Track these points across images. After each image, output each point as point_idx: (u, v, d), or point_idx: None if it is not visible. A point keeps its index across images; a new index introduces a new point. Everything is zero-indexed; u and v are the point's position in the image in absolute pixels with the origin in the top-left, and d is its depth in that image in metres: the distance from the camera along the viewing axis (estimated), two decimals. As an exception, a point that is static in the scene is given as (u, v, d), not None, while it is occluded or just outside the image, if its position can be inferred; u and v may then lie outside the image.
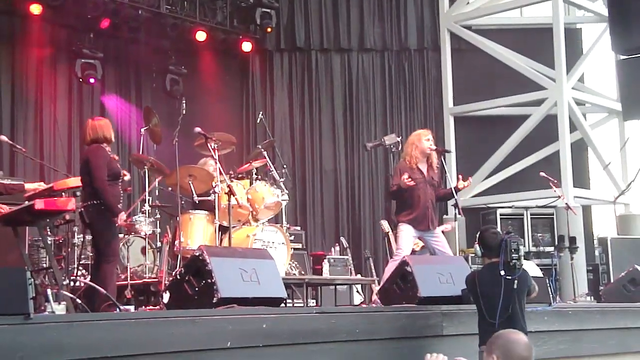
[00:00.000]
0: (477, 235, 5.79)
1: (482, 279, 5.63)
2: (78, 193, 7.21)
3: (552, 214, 12.36)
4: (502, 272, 5.43)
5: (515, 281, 5.44)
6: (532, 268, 8.27)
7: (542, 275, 8.14)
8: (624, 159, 13.83)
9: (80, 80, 11.47)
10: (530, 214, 12.38)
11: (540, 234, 12.41)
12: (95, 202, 6.47)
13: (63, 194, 7.25)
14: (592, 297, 10.27)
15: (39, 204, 5.93)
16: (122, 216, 6.53)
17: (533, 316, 6.96)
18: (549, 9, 12.99)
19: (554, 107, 12.73)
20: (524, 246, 5.84)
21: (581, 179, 13.49)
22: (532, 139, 13.18)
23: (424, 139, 7.73)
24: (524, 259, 5.67)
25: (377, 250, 12.78)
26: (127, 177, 7.20)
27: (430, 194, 7.65)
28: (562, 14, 12.90)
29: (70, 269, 8.06)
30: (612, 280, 10.70)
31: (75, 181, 7.20)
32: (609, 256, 12.06)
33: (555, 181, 9.93)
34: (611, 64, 13.75)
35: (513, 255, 5.44)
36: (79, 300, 5.65)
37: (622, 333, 7.72)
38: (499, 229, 5.89)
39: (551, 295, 7.46)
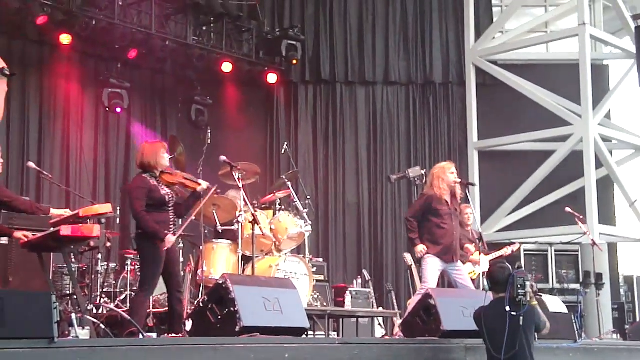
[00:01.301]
0: (486, 270, 5.76)
1: (488, 314, 5.60)
2: (103, 220, 7.24)
3: (577, 251, 12.21)
4: (508, 308, 5.40)
5: (521, 317, 5.38)
6: (557, 304, 8.18)
7: (567, 312, 8.02)
8: (651, 196, 13.68)
9: (107, 109, 11.58)
10: (555, 251, 12.25)
11: (564, 271, 12.26)
12: (139, 230, 6.53)
13: (88, 220, 7.28)
14: (618, 335, 10.11)
15: (65, 230, 5.96)
16: (171, 239, 6.43)
17: (558, 352, 6.89)
18: (575, 45, 12.99)
19: (580, 143, 12.67)
20: (533, 282, 5.74)
21: (607, 216, 13.36)
22: (557, 175, 13.12)
23: (448, 172, 7.71)
24: (538, 294, 5.62)
25: (399, 283, 12.70)
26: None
27: (455, 226, 7.61)
28: (589, 50, 12.89)
29: (93, 296, 8.09)
30: (638, 319, 10.54)
31: (100, 208, 7.23)
32: (635, 294, 11.90)
33: (582, 217, 9.84)
34: (638, 100, 13.70)
35: (519, 291, 5.40)
36: (102, 326, 5.64)
37: (649, 372, 7.59)
38: (507, 264, 5.79)
39: (577, 332, 7.36)
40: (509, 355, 5.33)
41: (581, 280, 10.63)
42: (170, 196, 6.57)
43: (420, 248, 7.50)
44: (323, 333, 8.71)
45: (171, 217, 6.55)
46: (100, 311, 7.81)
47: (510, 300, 5.42)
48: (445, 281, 8.56)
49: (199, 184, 6.78)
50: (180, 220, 6.94)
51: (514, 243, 9.57)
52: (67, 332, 4.87)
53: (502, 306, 5.42)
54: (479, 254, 8.80)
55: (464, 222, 9.16)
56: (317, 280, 9.21)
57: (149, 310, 7.80)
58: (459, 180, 7.75)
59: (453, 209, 7.68)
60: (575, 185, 13.07)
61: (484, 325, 5.56)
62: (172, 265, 6.52)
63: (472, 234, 9.17)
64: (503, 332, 5.34)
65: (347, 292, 10.04)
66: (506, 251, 9.33)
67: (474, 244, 9.00)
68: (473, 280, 8.72)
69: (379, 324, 10.16)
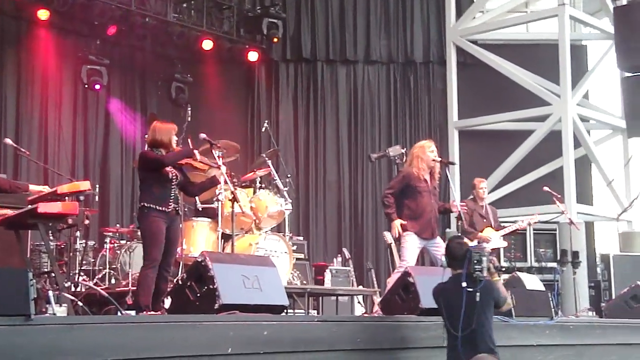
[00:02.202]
0: (445, 246, 5.69)
1: (445, 290, 5.52)
2: (82, 198, 7.18)
3: (555, 230, 12.32)
4: (464, 284, 5.31)
5: (478, 293, 5.27)
6: (534, 282, 8.26)
7: (544, 290, 8.11)
8: (628, 176, 13.82)
9: (86, 86, 11.51)
10: (533, 230, 12.33)
11: (542, 250, 12.37)
12: (140, 204, 6.48)
13: (66, 198, 7.24)
14: (594, 313, 10.24)
15: (42, 207, 5.91)
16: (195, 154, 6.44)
17: (535, 329, 6.98)
18: (555, 26, 13.02)
19: (559, 123, 12.73)
20: (493, 257, 5.59)
21: (584, 196, 13.47)
22: (536, 154, 13.18)
23: (427, 151, 7.73)
24: (501, 270, 5.60)
25: (379, 261, 12.76)
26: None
27: (434, 203, 7.66)
28: (568, 30, 12.93)
29: (72, 273, 8.07)
30: (614, 297, 10.67)
31: (79, 185, 7.18)
32: (611, 273, 12.04)
33: (559, 196, 9.91)
34: (616, 81, 13.79)
35: (476, 266, 5.30)
36: (80, 304, 5.64)
37: (623, 349, 7.71)
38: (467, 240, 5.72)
39: (553, 310, 7.45)
40: (466, 332, 5.24)
41: (558, 258, 10.73)
42: (174, 175, 6.50)
43: (397, 223, 7.52)
44: (303, 311, 8.74)
45: (172, 194, 6.46)
46: (78, 289, 7.80)
47: (467, 276, 5.33)
48: (426, 259, 8.63)
49: (214, 166, 6.76)
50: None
51: (532, 215, 9.56)
52: (44, 310, 4.86)
53: (459, 282, 5.35)
54: (493, 230, 8.90)
55: (478, 196, 9.23)
56: (297, 259, 9.25)
57: (127, 288, 7.81)
58: (438, 159, 7.77)
59: (432, 187, 7.71)
60: (554, 164, 13.15)
61: (442, 301, 5.50)
62: (169, 243, 6.47)
63: (486, 209, 9.21)
64: (460, 308, 5.26)
65: (327, 271, 10.08)
66: (517, 225, 9.35)
67: (484, 219, 9.08)
68: None
69: (359, 302, 10.22)
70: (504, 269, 5.93)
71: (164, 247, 6.43)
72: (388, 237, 9.21)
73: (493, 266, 5.45)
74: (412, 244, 7.46)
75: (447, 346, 5.43)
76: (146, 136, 8.87)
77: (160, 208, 6.35)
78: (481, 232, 9.00)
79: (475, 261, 5.30)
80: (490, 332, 5.35)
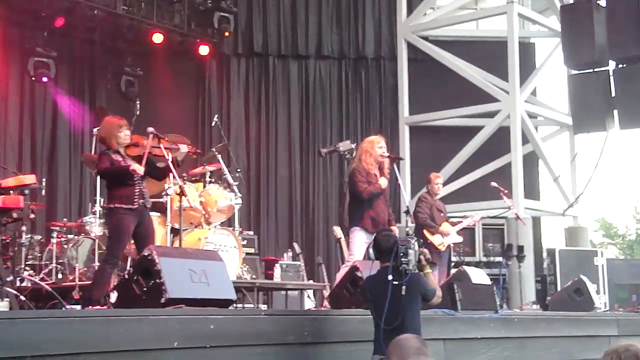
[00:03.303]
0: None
1: (372, 283, 5.43)
2: (27, 191, 7.10)
3: (503, 225, 12.50)
4: (390, 277, 5.18)
5: (404, 287, 5.15)
6: (479, 276, 8.37)
7: (489, 283, 8.23)
8: (574, 172, 14.10)
9: (33, 78, 11.32)
10: (482, 225, 12.50)
11: (490, 244, 12.54)
12: (107, 205, 6.53)
13: (11, 192, 7.14)
14: (539, 306, 10.43)
15: (-14, 201, 5.84)
16: (138, 168, 6.43)
17: (480, 322, 7.09)
18: (504, 23, 13.21)
19: (507, 119, 12.93)
20: (423, 249, 5.49)
21: (532, 191, 13.70)
22: (485, 150, 13.36)
23: (376, 146, 7.77)
24: (430, 263, 5.48)
25: (329, 256, 12.81)
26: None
27: (382, 199, 7.70)
28: (517, 28, 13.13)
29: (17, 268, 7.94)
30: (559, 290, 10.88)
31: (24, 179, 7.09)
32: (557, 267, 12.26)
33: (506, 191, 10.07)
34: (563, 78, 14.03)
35: (402, 259, 5.19)
36: (23, 298, 5.56)
37: (566, 341, 7.86)
38: (393, 233, 5.59)
39: (498, 303, 7.57)
40: (393, 325, 5.12)
41: (503, 252, 10.92)
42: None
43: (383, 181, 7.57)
44: (252, 306, 8.74)
45: (136, 190, 6.46)
46: (24, 284, 7.69)
47: (393, 269, 5.21)
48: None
49: (177, 149, 6.75)
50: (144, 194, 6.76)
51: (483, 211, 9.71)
52: (-15, 304, 4.79)
53: (385, 275, 5.23)
54: (449, 225, 9.00)
55: (433, 191, 9.30)
56: (247, 253, 9.23)
57: (74, 283, 7.72)
58: (387, 154, 7.82)
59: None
60: (503, 160, 13.35)
61: (369, 294, 5.42)
62: (143, 238, 6.50)
63: (439, 204, 9.29)
64: (385, 301, 5.15)
65: (277, 265, 10.09)
66: (470, 221, 9.48)
67: (442, 214, 9.15)
68: (440, 252, 8.86)
69: (309, 297, 10.25)
70: (433, 262, 5.79)
71: (141, 243, 6.46)
72: (337, 231, 9.29)
73: (424, 258, 5.37)
74: (360, 239, 7.50)
75: (373, 340, 5.33)
76: (94, 130, 8.84)
77: (127, 206, 6.38)
78: (439, 226, 9.10)
79: (402, 254, 5.21)
80: (417, 325, 5.24)
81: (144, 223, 6.54)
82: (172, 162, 6.79)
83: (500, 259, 11.88)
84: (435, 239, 8.94)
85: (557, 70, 14.16)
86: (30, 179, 6.53)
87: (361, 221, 7.58)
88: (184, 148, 6.87)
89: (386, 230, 5.63)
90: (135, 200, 6.44)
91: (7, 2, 10.65)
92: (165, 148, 6.77)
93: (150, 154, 6.72)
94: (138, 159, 6.59)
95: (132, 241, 6.73)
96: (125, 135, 6.58)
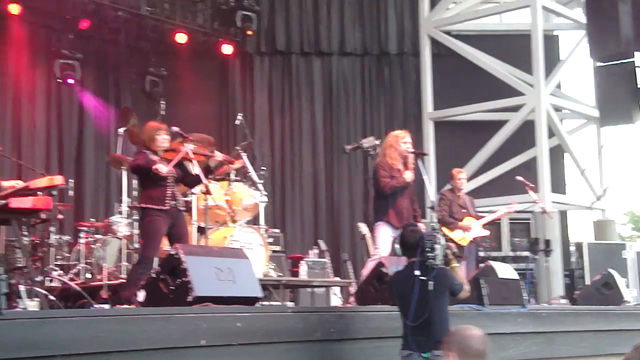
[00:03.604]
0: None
1: (399, 279, 5.40)
2: (54, 192, 7.16)
3: (529, 219, 12.42)
4: (417, 272, 5.17)
5: (431, 282, 5.12)
6: (506, 271, 8.33)
7: (516, 278, 8.19)
8: (601, 165, 13.98)
9: (59, 80, 11.43)
10: (508, 219, 12.43)
11: (517, 239, 12.47)
12: (139, 205, 6.70)
13: (39, 193, 7.21)
14: (567, 301, 10.35)
15: (14, 202, 5.92)
16: (162, 168, 6.54)
17: (507, 317, 7.05)
18: (528, 16, 13.12)
19: (532, 113, 12.84)
20: (450, 244, 5.43)
21: (558, 185, 13.60)
22: (511, 144, 13.28)
23: (401, 141, 7.76)
24: (457, 257, 5.43)
25: (355, 253, 12.79)
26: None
27: (407, 194, 7.70)
28: (541, 20, 13.03)
29: (46, 268, 8.04)
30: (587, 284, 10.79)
31: (51, 180, 7.16)
32: (585, 261, 12.15)
33: (532, 185, 10.01)
34: (589, 70, 13.92)
35: (428, 254, 5.16)
36: (52, 297, 5.63)
37: (595, 335, 7.79)
38: (419, 228, 5.55)
39: (525, 298, 7.53)
40: (419, 321, 5.10)
41: (530, 247, 10.85)
42: (169, 172, 6.61)
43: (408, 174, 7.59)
44: (279, 303, 8.76)
45: (168, 192, 6.61)
46: (53, 284, 7.78)
47: (420, 265, 5.19)
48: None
49: (211, 156, 6.86)
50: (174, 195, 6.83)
51: (511, 204, 9.68)
52: (15, 304, 4.85)
53: (412, 271, 5.21)
54: (473, 219, 8.98)
55: (457, 186, 9.28)
56: (273, 251, 9.25)
57: (102, 283, 7.80)
58: (411, 150, 7.81)
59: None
60: (528, 154, 13.26)
61: (395, 290, 5.40)
62: (178, 240, 6.57)
63: (464, 199, 9.27)
64: (412, 297, 5.13)
65: (303, 262, 10.10)
66: (501, 213, 9.44)
67: (463, 209, 9.14)
68: (463, 247, 8.86)
69: (335, 294, 10.25)
70: (460, 256, 5.70)
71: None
72: (362, 228, 9.28)
73: (451, 252, 5.34)
74: (385, 234, 7.50)
75: (402, 335, 5.31)
76: (120, 130, 8.92)
77: (158, 207, 6.52)
78: (461, 221, 9.07)
79: (428, 249, 5.18)
80: (445, 320, 5.20)
81: (177, 225, 6.69)
82: (205, 168, 6.89)
83: (527, 253, 11.82)
84: (455, 235, 8.93)
85: (583, 63, 14.02)
86: (57, 179, 6.60)
87: (386, 216, 7.58)
88: (218, 156, 6.98)
89: (412, 226, 5.59)
90: (167, 201, 6.57)
91: (33, 6, 10.76)
92: (201, 154, 6.88)
93: (185, 159, 6.82)
94: (177, 164, 6.71)
95: (167, 242, 6.82)
96: (163, 139, 6.76)
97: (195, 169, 6.93)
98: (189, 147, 6.84)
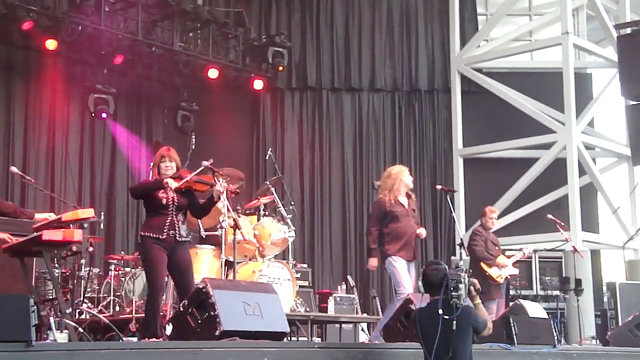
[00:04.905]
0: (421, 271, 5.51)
1: (422, 317, 5.33)
2: (86, 225, 7.23)
3: (561, 258, 12.29)
4: (440, 311, 5.11)
5: (454, 321, 5.07)
6: (536, 310, 8.24)
7: (546, 317, 8.08)
8: (634, 203, 13.80)
9: (93, 114, 11.61)
10: (539, 257, 12.31)
11: (548, 277, 12.33)
12: (140, 233, 6.55)
13: (71, 225, 7.29)
14: (598, 341, 10.18)
15: (46, 235, 5.96)
16: (171, 183, 6.40)
17: (537, 357, 6.95)
18: (559, 54, 13.10)
19: (563, 151, 12.77)
20: (473, 280, 5.38)
21: (590, 224, 13.45)
22: (541, 182, 13.20)
23: (406, 174, 7.91)
24: (479, 293, 5.38)
25: (384, 289, 12.74)
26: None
27: (412, 226, 7.72)
28: (573, 58, 13.00)
29: (76, 301, 8.10)
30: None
31: (82, 213, 7.24)
32: (618, 301, 11.94)
33: (563, 224, 9.92)
34: (621, 109, 13.83)
35: (453, 293, 5.11)
36: (81, 330, 5.66)
37: (627, 377, 7.65)
38: (444, 265, 5.46)
39: (556, 337, 7.42)
40: None
41: (560, 286, 10.71)
42: (169, 200, 6.39)
43: (373, 262, 7.74)
44: (306, 338, 8.74)
45: (167, 221, 6.35)
46: (83, 316, 7.83)
47: (444, 303, 5.15)
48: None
49: (213, 185, 6.61)
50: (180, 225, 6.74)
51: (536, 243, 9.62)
52: (45, 336, 4.88)
53: (435, 309, 5.16)
54: (505, 257, 8.97)
55: (487, 225, 9.25)
56: (301, 286, 9.25)
57: (131, 316, 7.82)
58: (439, 186, 7.87)
59: (410, 210, 7.83)
60: (559, 192, 13.16)
61: (419, 328, 5.31)
62: (179, 274, 6.41)
63: (494, 237, 9.25)
64: (436, 336, 5.08)
65: (331, 298, 10.08)
66: (523, 253, 9.41)
67: (496, 247, 9.11)
68: (499, 284, 8.83)
69: (363, 330, 10.20)
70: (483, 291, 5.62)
71: (176, 279, 6.45)
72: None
73: (474, 289, 5.29)
74: (401, 269, 7.54)
75: None
76: (151, 164, 8.99)
77: (155, 236, 6.30)
78: (496, 258, 9.03)
79: (452, 288, 5.14)
80: (468, 358, 5.19)
81: (174, 258, 6.34)
82: (211, 198, 6.72)
83: (557, 292, 11.68)
84: (493, 272, 8.87)
85: (615, 101, 13.91)
86: (88, 212, 6.64)
87: (396, 249, 7.63)
88: (219, 186, 6.59)
89: (435, 264, 5.56)
90: (165, 230, 6.32)
91: (68, 42, 10.95)
92: (205, 183, 6.67)
93: (188, 187, 6.63)
94: (184, 191, 6.57)
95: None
96: (166, 166, 6.55)
97: (223, 199, 6.80)
98: (223, 183, 6.69)
